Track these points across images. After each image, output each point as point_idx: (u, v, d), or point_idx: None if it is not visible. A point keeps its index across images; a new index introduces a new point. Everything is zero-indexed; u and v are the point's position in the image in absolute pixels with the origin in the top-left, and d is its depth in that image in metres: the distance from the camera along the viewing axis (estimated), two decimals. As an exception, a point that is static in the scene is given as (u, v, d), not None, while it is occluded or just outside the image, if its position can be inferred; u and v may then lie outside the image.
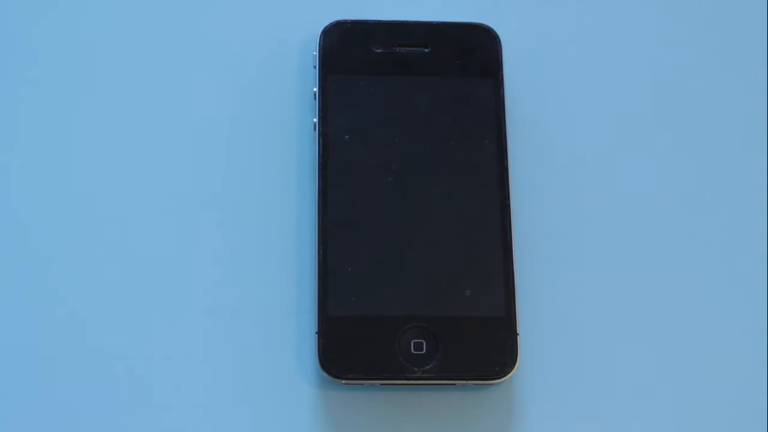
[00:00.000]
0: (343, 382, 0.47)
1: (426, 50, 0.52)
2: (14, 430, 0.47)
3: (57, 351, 0.48)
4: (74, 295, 0.49)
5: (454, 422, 0.48)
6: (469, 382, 0.47)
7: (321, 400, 0.48)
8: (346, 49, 0.51)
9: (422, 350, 0.47)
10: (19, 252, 0.49)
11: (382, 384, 0.47)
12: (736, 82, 0.54)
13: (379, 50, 0.51)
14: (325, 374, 0.47)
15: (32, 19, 0.53)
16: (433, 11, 0.53)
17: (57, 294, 0.49)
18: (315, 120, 0.50)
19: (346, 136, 0.50)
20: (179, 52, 0.52)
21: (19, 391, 0.47)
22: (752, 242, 0.51)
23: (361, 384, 0.47)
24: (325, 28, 0.52)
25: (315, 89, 0.51)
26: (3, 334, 0.48)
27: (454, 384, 0.47)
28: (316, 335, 0.47)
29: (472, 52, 0.52)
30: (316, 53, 0.51)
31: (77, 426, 0.47)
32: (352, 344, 0.47)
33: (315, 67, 0.51)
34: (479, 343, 0.47)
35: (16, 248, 0.49)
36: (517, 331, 0.48)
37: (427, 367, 0.47)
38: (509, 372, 0.47)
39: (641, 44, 0.54)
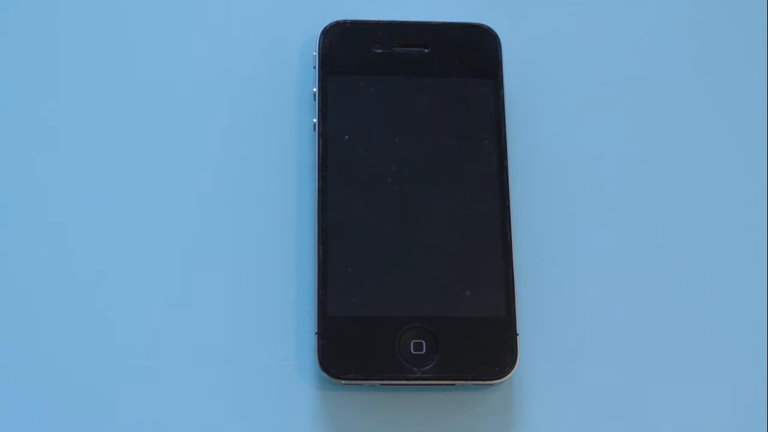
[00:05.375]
0: (343, 382, 0.47)
1: (425, 50, 0.52)
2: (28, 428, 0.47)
3: (60, 350, 0.48)
4: (73, 295, 0.49)
5: (454, 422, 0.48)
6: (469, 382, 0.47)
7: (321, 400, 0.48)
8: (345, 50, 0.51)
9: (422, 350, 0.47)
10: (20, 255, 0.49)
11: (381, 384, 0.47)
12: (737, 81, 0.54)
13: (379, 50, 0.51)
14: (324, 374, 0.47)
15: (30, 18, 0.53)
16: (432, 11, 0.53)
17: (56, 296, 0.49)
18: (315, 120, 0.50)
19: (346, 136, 0.50)
20: (178, 52, 0.52)
21: (20, 393, 0.47)
22: (752, 241, 0.51)
23: (361, 384, 0.47)
24: (325, 28, 0.52)
25: (315, 89, 0.51)
26: (24, 333, 0.48)
27: (453, 384, 0.47)
28: (316, 335, 0.47)
29: (472, 52, 0.52)
30: (315, 53, 0.51)
31: (78, 422, 0.47)
32: (352, 344, 0.47)
33: (315, 67, 0.51)
34: (479, 344, 0.47)
35: (18, 251, 0.49)
36: (517, 332, 0.48)
37: (427, 367, 0.47)
38: (509, 372, 0.47)
39: (641, 44, 0.54)
